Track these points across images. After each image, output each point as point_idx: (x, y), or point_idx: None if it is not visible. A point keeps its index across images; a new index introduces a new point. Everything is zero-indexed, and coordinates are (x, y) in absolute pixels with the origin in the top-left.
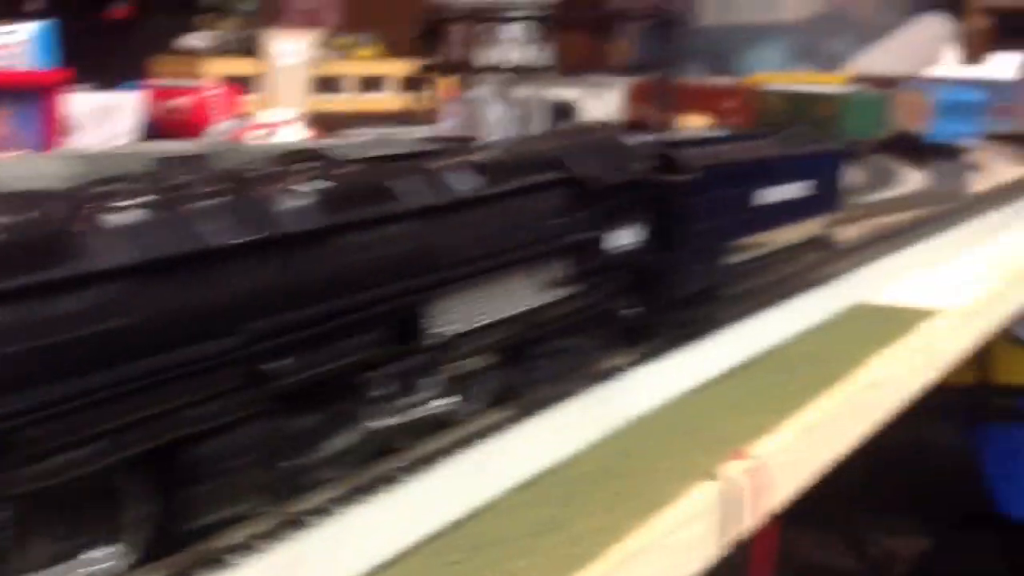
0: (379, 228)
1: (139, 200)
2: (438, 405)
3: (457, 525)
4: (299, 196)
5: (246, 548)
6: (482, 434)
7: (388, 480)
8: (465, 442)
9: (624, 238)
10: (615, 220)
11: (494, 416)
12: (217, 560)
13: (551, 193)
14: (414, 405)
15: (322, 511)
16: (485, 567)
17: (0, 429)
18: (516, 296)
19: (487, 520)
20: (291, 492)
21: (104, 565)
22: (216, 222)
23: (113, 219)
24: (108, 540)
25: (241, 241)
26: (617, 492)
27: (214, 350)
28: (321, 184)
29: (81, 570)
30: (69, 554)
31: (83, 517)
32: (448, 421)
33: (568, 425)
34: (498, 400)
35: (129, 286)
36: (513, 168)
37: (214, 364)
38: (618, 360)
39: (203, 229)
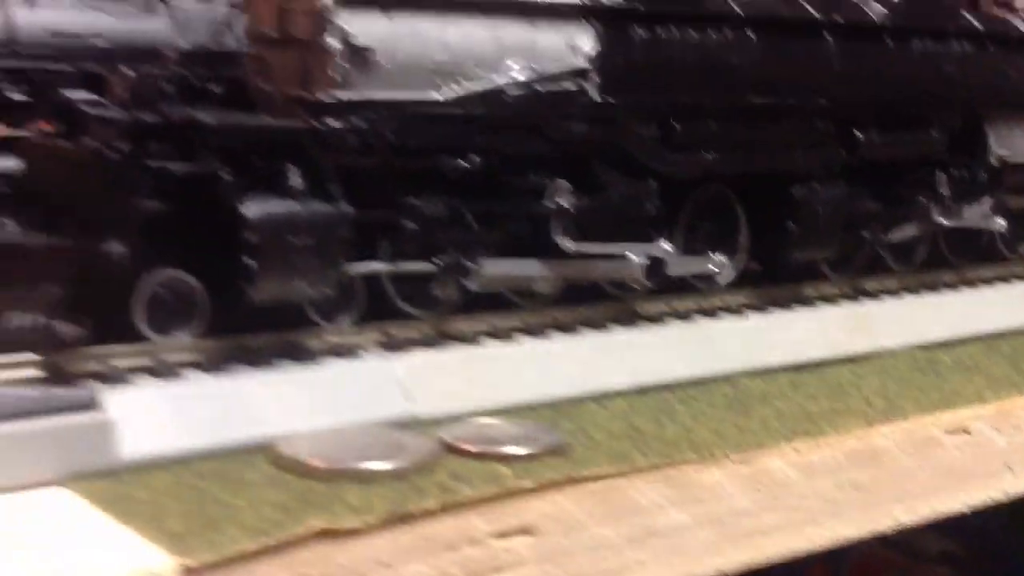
0: (953, 42)
1: None
2: (988, 223)
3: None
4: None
5: (821, 299)
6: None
7: (938, 285)
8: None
9: None
10: None
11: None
12: (799, 300)
13: None
14: (969, 215)
15: (885, 291)
16: None
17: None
18: None
19: None
20: (859, 266)
21: (719, 271)
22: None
23: None
24: (724, 251)
25: (834, 20)
26: None
27: (811, 105)
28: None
29: (710, 265)
30: (705, 252)
31: (715, 226)
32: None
33: None
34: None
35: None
36: None
37: (811, 116)
38: None
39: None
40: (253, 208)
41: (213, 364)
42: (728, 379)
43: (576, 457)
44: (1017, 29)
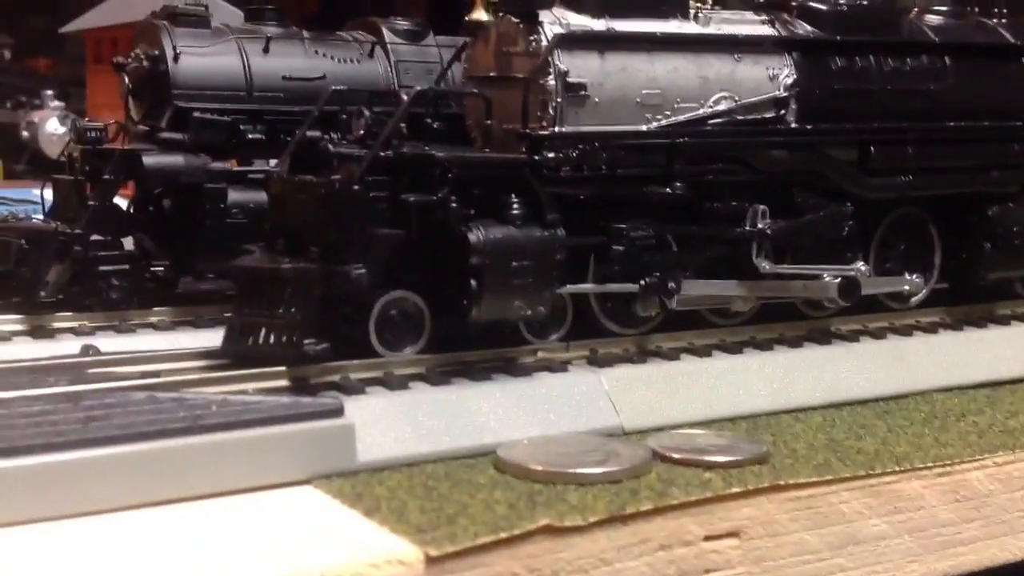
0: None
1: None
2: None
3: None
4: None
5: (1015, 318)
6: None
7: None
8: None
9: None
10: None
11: None
12: (992, 319)
13: None
14: None
15: None
16: None
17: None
18: None
19: None
20: None
21: (911, 288)
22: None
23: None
24: (918, 270)
25: None
26: None
27: (1004, 127)
28: None
29: (904, 286)
30: (898, 271)
31: (908, 247)
32: None
33: None
34: None
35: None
36: None
37: (1004, 138)
38: None
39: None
40: (477, 234)
41: (437, 378)
42: (923, 395)
43: (779, 466)
44: None
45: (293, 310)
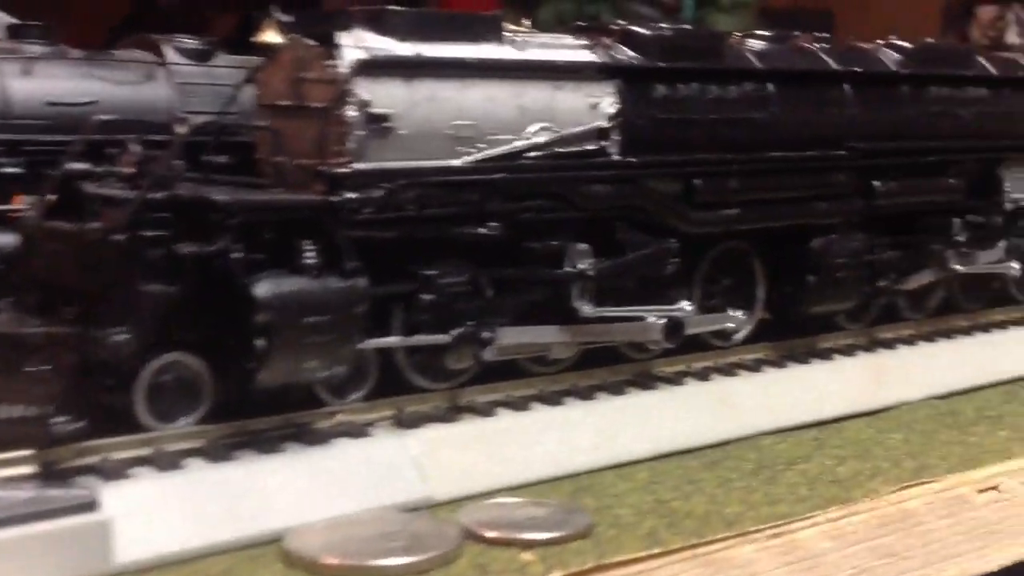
0: (968, 88)
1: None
2: (1004, 268)
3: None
4: (897, 49)
5: (837, 352)
6: None
7: (953, 332)
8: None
9: None
10: None
11: None
12: (815, 353)
13: None
14: (983, 261)
15: (900, 341)
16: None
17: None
18: None
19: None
20: (874, 315)
21: (735, 325)
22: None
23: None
24: (741, 305)
25: (852, 70)
26: None
27: (829, 156)
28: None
29: (728, 323)
30: (721, 308)
31: (732, 282)
32: (1002, 290)
33: None
34: None
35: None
36: None
37: (829, 167)
38: None
39: (821, 59)
40: (264, 287)
41: (218, 452)
42: (750, 441)
43: (603, 539)
44: None
45: (41, 381)
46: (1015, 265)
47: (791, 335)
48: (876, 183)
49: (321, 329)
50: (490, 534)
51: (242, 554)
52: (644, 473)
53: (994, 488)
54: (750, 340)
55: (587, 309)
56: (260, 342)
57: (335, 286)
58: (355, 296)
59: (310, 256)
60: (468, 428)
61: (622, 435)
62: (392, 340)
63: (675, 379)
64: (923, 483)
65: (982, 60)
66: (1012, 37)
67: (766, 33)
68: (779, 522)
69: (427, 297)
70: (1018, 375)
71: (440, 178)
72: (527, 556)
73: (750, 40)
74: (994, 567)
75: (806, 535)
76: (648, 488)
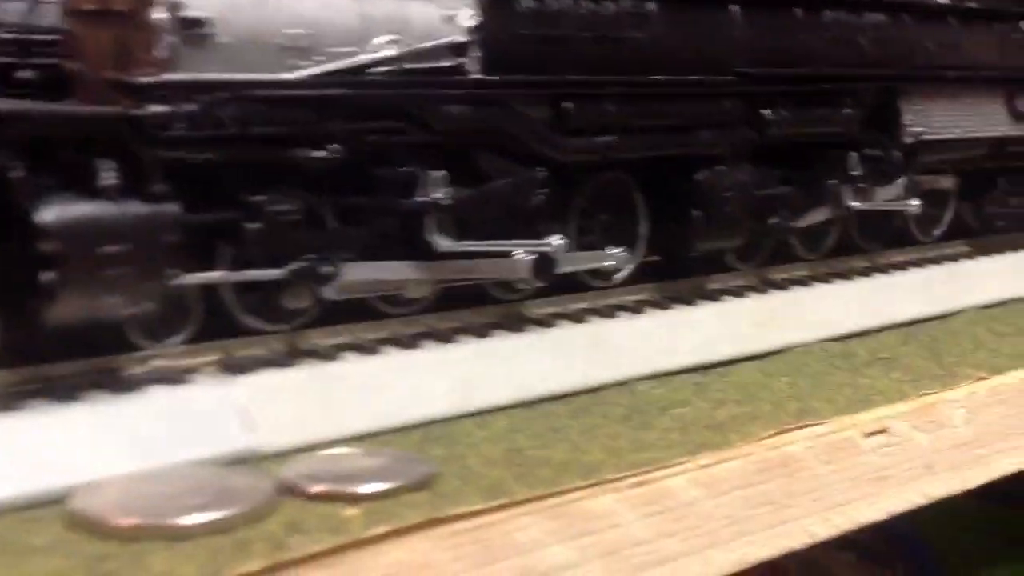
0: (866, 14)
1: None
2: (903, 205)
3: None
4: None
5: (726, 293)
6: (936, 259)
7: (850, 274)
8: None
9: None
10: None
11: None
12: (703, 295)
13: None
14: (882, 197)
15: (794, 282)
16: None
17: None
18: (987, 119)
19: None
20: (767, 255)
21: (615, 263)
22: None
23: None
24: (623, 243)
25: None
26: None
27: (715, 82)
28: None
29: (607, 261)
30: (600, 245)
31: (611, 217)
32: (902, 230)
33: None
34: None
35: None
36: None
37: (715, 93)
38: None
39: None
40: (51, 212)
41: (4, 401)
42: (625, 386)
43: (444, 491)
44: None
45: None
46: (914, 202)
47: (677, 276)
48: (766, 112)
49: (121, 260)
50: (314, 488)
51: (22, 517)
52: (504, 421)
53: (883, 431)
54: (633, 280)
55: (444, 243)
56: (47, 275)
57: (138, 211)
58: (162, 223)
59: (108, 177)
60: (305, 373)
61: (483, 381)
62: (213, 275)
63: (547, 321)
64: (805, 426)
65: None
66: None
67: None
68: (643, 469)
69: (253, 227)
70: (916, 317)
71: (267, 92)
72: (350, 511)
73: None
74: (883, 514)
75: (674, 483)
76: (506, 437)
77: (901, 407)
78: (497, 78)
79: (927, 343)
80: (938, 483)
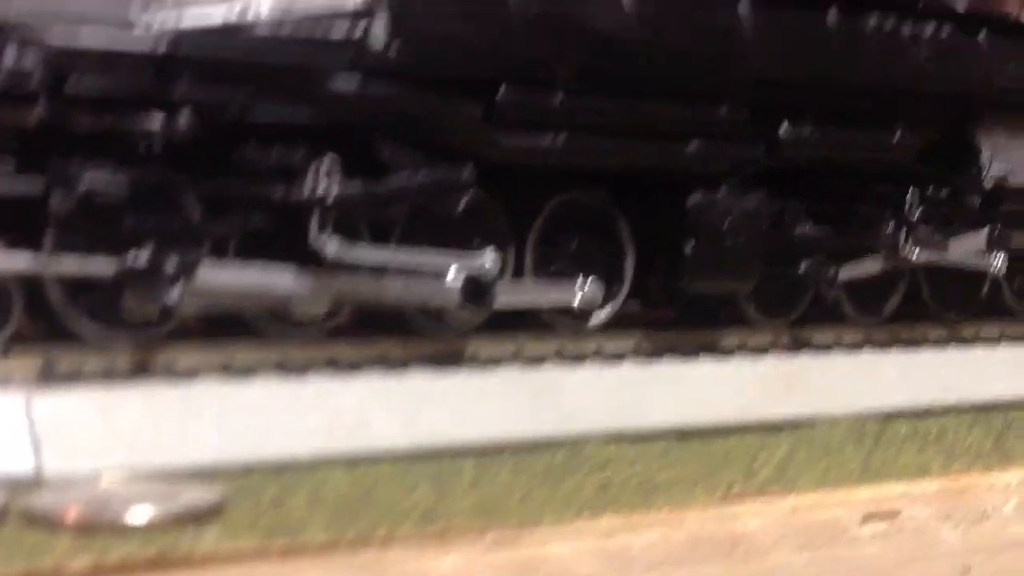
0: (926, 20)
1: None
2: (983, 262)
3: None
4: None
5: (741, 348)
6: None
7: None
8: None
9: None
10: None
11: None
12: (714, 349)
13: None
14: (957, 252)
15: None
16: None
17: None
18: None
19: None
20: (790, 304)
21: (585, 301)
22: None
23: None
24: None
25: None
26: None
27: (712, 82)
28: None
29: (575, 297)
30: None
31: (575, 247)
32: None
33: None
34: None
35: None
36: None
37: (711, 97)
38: None
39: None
40: None
41: None
42: (574, 444)
43: (224, 529)
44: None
45: None
46: (998, 259)
47: (674, 323)
48: (783, 125)
49: None
50: (71, 516)
51: None
52: (387, 469)
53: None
54: (618, 325)
55: (331, 248)
56: None
57: None
58: None
59: None
60: (129, 394)
61: (376, 422)
62: (19, 261)
63: (487, 361)
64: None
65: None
66: None
67: None
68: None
69: (63, 202)
70: (996, 399)
71: (87, 46)
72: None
73: None
74: None
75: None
76: (371, 483)
77: (922, 486)
78: (406, 51)
79: (999, 428)
80: None
